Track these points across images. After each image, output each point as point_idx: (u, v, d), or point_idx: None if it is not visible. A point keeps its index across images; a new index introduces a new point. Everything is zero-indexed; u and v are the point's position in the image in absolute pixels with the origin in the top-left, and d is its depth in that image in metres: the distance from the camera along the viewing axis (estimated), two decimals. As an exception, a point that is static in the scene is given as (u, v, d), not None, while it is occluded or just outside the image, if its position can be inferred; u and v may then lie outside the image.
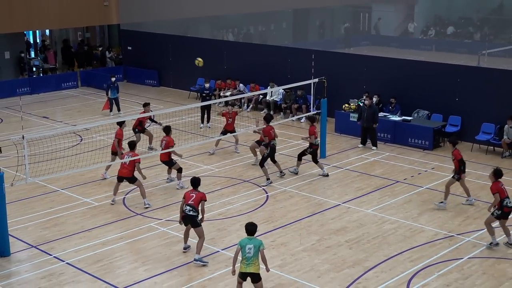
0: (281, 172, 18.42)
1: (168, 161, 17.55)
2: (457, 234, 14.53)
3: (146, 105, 20.69)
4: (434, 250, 13.76)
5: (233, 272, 11.26)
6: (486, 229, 13.90)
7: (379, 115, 21.52)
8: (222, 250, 13.78)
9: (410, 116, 22.29)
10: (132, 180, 16.14)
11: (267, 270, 11.22)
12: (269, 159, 18.07)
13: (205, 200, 13.23)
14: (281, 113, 25.67)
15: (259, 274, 11.09)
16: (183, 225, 13.39)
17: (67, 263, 13.27)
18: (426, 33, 45.66)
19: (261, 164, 17.93)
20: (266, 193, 17.25)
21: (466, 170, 15.82)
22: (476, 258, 13.38)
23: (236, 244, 11.36)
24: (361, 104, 22.20)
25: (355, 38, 45.10)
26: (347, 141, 22.14)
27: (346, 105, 23.28)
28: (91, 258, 13.48)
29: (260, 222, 15.18)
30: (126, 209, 16.10)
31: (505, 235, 13.85)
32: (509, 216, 13.75)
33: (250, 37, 41.11)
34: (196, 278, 12.64)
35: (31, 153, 18.62)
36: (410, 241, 14.21)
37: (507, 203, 13.56)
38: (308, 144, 18.49)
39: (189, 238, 13.66)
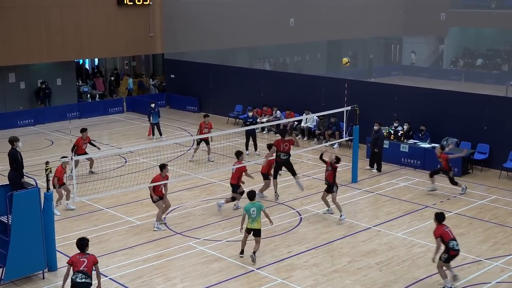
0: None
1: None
2: (485, 259, 14.19)
3: (83, 130, 20.55)
4: (463, 274, 13.43)
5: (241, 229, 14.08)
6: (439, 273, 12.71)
7: (407, 142, 21.47)
8: (257, 269, 13.67)
9: (440, 143, 21.98)
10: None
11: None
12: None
13: (97, 263, 11.07)
14: (315, 139, 25.60)
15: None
16: None
17: (110, 278, 13.30)
18: (456, 64, 45.31)
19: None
20: (300, 215, 17.13)
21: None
22: (505, 283, 13.04)
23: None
24: (392, 131, 22.13)
25: (387, 68, 44.98)
26: (378, 167, 21.92)
27: (377, 132, 23.11)
28: (132, 274, 13.50)
29: (294, 243, 15.09)
30: (166, 228, 16.12)
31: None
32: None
33: (286, 66, 41.31)
34: (232, 295, 12.57)
35: (78, 174, 18.84)
36: (439, 264, 13.91)
37: (453, 245, 12.18)
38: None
39: None
